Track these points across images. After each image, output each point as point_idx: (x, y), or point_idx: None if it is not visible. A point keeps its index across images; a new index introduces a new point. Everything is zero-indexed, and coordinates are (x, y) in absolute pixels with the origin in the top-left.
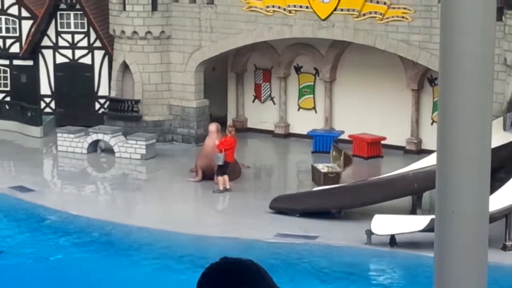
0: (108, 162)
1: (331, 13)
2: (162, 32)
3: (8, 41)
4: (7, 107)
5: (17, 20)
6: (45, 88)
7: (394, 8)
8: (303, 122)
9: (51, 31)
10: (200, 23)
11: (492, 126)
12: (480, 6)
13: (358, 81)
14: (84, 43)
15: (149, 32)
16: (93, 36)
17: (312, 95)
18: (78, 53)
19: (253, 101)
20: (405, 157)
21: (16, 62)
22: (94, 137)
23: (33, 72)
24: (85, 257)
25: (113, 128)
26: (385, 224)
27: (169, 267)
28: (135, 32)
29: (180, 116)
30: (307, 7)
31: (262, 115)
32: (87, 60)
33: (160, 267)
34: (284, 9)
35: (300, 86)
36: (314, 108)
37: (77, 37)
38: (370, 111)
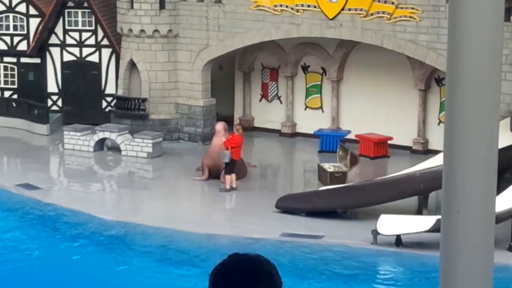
0: (115, 160)
1: (339, 13)
2: (170, 30)
3: (16, 39)
4: (14, 105)
5: (24, 18)
6: (52, 86)
7: (402, 8)
8: (310, 121)
9: (59, 29)
10: (208, 21)
11: (499, 127)
12: (488, 6)
13: (365, 80)
14: (91, 41)
15: (156, 30)
16: (100, 34)
17: (319, 95)
18: (86, 51)
19: (260, 100)
20: (411, 157)
21: (23, 60)
22: (100, 135)
23: (41, 70)
24: (91, 255)
25: (119, 126)
26: (391, 224)
27: (175, 265)
28: (142, 31)
29: (187, 114)
30: (314, 7)
31: (269, 114)
32: (94, 58)
33: (166, 266)
34: (292, 8)
35: (307, 86)
36: (321, 107)
37: (85, 35)
38: (377, 111)
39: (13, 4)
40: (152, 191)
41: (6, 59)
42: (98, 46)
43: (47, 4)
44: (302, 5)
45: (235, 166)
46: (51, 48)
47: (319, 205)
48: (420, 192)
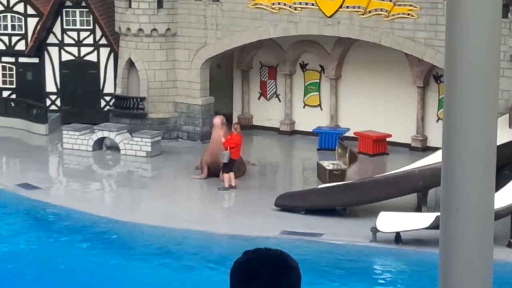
0: (114, 159)
1: (337, 10)
2: (168, 29)
3: (14, 39)
4: (13, 105)
5: (22, 18)
6: (50, 86)
7: (399, 5)
8: (309, 119)
9: (57, 29)
10: (206, 20)
11: (498, 123)
12: (486, 3)
13: (364, 78)
14: (89, 40)
15: (154, 29)
16: (98, 33)
17: (317, 92)
18: (84, 50)
19: (259, 98)
20: (410, 155)
21: (21, 59)
22: (99, 134)
23: (39, 69)
24: (90, 254)
25: (118, 125)
26: (390, 221)
27: (174, 264)
28: (140, 30)
29: (185, 113)
30: (312, 4)
31: (267, 112)
32: (92, 57)
33: (165, 264)
34: (290, 6)
35: (306, 84)
36: (319, 105)
37: (83, 35)
38: (375, 108)
39: (11, 4)
40: (151, 190)
41: (4, 59)
42: (96, 46)
43: (45, 4)
44: (300, 3)
45: (233, 165)
46: (49, 48)
47: (318, 203)
48: (419, 189)
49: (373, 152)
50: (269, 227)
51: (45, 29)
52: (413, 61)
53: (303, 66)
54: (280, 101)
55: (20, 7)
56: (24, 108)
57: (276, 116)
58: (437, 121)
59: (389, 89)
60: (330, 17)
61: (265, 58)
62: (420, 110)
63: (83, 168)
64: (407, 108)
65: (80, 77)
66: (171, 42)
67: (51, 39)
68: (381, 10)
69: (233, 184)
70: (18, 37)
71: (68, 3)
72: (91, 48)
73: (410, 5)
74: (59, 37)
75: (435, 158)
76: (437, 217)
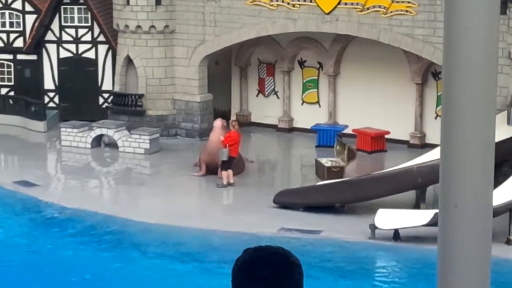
0: (112, 156)
1: (335, 7)
2: (166, 26)
3: (12, 36)
4: (11, 102)
5: (20, 15)
6: (49, 83)
7: (398, 2)
8: (307, 116)
9: (55, 26)
10: (204, 17)
11: (496, 120)
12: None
13: (362, 75)
14: (87, 37)
15: (152, 26)
16: (96, 30)
17: (316, 89)
18: (82, 47)
19: (257, 95)
20: (409, 151)
21: (20, 56)
22: (98, 131)
23: (37, 66)
24: (88, 252)
25: (117, 122)
26: (389, 218)
27: (173, 261)
28: (138, 27)
29: (184, 110)
30: (311, 1)
31: (266, 109)
32: (91, 54)
33: (163, 261)
34: (288, 3)
35: (304, 80)
36: (318, 102)
37: (81, 32)
38: (374, 105)
39: (9, 1)
40: (149, 187)
41: (2, 56)
42: (94, 43)
43: (43, 1)
44: (298, 0)
45: (232, 163)
46: (48, 45)
47: (316, 200)
48: (417, 186)
49: (371, 149)
50: (267, 224)
51: (43, 26)
52: (411, 58)
53: (301, 63)
54: (278, 98)
55: (18, 4)
56: (22, 105)
57: (275, 113)
58: (436, 118)
59: (388, 86)
60: (328, 14)
61: (263, 55)
62: (419, 107)
63: (82, 165)
64: (406, 105)
65: (78, 74)
66: (169, 39)
67: (49, 36)
68: (379, 7)
69: (231, 182)
70: (16, 34)
71: (66, 0)
72: (89, 45)
73: (409, 2)
74: (57, 34)
75: (433, 155)
76: (436, 214)
